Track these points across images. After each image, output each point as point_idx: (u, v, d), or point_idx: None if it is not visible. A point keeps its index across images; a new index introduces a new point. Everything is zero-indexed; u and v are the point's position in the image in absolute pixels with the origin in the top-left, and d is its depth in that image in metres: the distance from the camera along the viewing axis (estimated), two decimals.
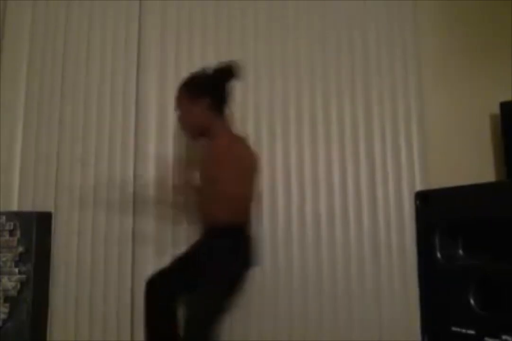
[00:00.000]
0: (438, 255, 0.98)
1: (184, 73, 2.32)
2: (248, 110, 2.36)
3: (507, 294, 0.83)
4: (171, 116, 2.35)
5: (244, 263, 1.82)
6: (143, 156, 2.34)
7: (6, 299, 2.06)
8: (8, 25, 2.43)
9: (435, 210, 0.99)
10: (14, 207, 2.28)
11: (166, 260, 2.25)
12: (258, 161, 1.96)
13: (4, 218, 2.12)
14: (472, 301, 0.90)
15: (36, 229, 2.12)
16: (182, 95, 1.98)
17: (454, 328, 0.92)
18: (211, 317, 1.72)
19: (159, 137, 2.35)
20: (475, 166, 2.34)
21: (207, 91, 1.95)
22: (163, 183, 2.29)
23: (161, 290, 1.89)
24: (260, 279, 2.24)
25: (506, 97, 2.28)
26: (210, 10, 2.43)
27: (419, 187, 2.25)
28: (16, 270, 2.08)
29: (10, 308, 2.06)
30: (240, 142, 1.93)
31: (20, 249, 2.09)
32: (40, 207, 2.27)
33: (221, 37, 2.41)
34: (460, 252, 0.97)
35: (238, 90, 2.37)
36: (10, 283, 2.07)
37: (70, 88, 2.39)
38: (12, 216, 2.13)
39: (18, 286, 2.07)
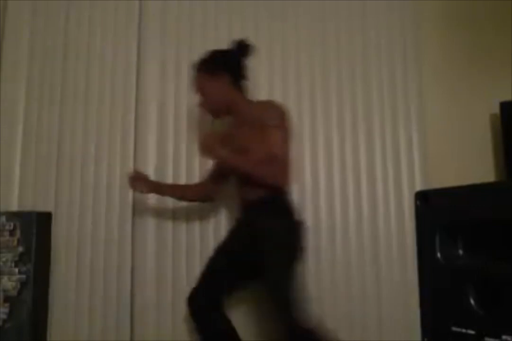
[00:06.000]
0: (438, 255, 0.98)
1: (184, 73, 2.33)
2: None
3: (507, 294, 0.83)
4: (171, 116, 2.36)
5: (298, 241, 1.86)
6: (143, 156, 2.34)
7: (6, 299, 2.06)
8: (8, 25, 2.43)
9: (435, 210, 0.99)
10: (14, 207, 2.28)
11: (165, 262, 2.26)
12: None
13: (4, 218, 2.12)
14: (472, 301, 0.90)
15: (36, 229, 2.12)
16: (200, 74, 1.96)
17: (454, 328, 0.92)
18: (290, 299, 1.71)
19: (159, 137, 2.35)
20: (475, 166, 2.34)
21: (225, 67, 1.95)
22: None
23: (205, 306, 1.89)
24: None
25: (506, 97, 2.28)
26: (210, 10, 2.43)
27: (419, 187, 2.25)
28: (16, 270, 2.08)
29: (10, 308, 2.05)
30: None
31: (20, 249, 2.09)
32: (40, 207, 2.27)
33: (221, 37, 2.40)
34: (460, 252, 0.97)
35: None
36: (10, 283, 2.07)
37: (70, 88, 2.39)
38: (12, 216, 2.13)
39: (18, 286, 2.07)
